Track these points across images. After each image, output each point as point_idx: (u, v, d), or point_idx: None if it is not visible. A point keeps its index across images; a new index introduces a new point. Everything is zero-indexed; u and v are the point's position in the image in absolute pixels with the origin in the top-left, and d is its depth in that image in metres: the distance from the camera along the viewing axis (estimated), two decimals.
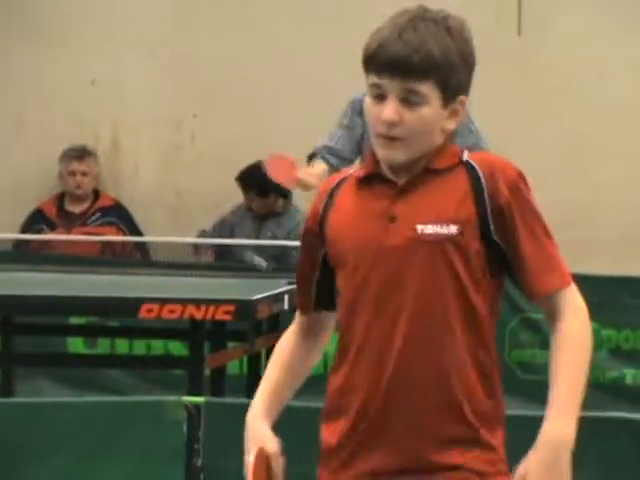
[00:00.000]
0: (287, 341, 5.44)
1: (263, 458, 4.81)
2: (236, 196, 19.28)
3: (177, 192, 20.16)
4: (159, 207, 19.94)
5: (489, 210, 4.98)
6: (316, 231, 5.18)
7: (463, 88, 5.10)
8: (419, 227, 4.98)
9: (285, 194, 17.88)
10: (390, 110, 4.83)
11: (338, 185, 5.19)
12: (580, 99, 20.25)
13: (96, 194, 19.36)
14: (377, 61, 4.93)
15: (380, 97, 4.92)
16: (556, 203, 17.53)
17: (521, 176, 5.05)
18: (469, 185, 5.10)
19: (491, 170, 5.08)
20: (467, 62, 5.06)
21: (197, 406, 9.74)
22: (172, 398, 10.56)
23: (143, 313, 11.74)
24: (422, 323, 5.05)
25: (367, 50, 5.00)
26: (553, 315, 5.00)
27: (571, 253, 14.70)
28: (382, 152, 4.96)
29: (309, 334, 5.41)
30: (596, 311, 16.25)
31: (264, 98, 19.85)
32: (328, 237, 5.11)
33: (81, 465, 9.73)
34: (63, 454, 9.94)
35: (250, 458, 4.88)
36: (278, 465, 4.83)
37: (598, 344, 15.89)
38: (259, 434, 4.97)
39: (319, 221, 5.19)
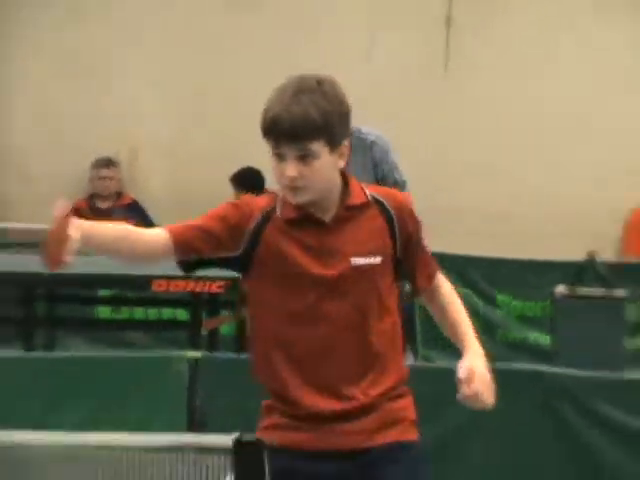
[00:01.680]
0: (144, 233, 5.85)
1: (67, 221, 5.11)
2: (228, 193, 19.39)
3: (180, 193, 21.09)
4: (167, 204, 20.70)
5: (399, 239, 5.93)
6: (238, 237, 5.83)
7: (345, 134, 5.95)
8: (352, 260, 5.85)
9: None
10: (290, 169, 5.58)
11: (267, 218, 5.86)
12: (499, 132, 20.86)
13: (119, 194, 20.87)
14: (274, 134, 5.72)
15: (281, 158, 5.66)
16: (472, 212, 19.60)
17: (407, 199, 6.23)
18: (384, 220, 5.99)
19: (398, 206, 6.04)
20: (343, 115, 5.95)
21: (196, 360, 10.93)
22: (177, 353, 12.08)
23: (155, 287, 13.49)
24: (363, 325, 5.95)
25: (264, 125, 5.77)
26: (433, 290, 6.18)
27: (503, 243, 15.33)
28: (291, 198, 5.75)
29: (156, 240, 5.81)
30: (506, 285, 17.55)
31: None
32: (263, 260, 5.80)
33: (101, 410, 10.84)
34: (86, 401, 11.06)
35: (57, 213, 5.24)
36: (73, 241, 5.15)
37: (509, 311, 17.94)
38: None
39: (250, 237, 5.85)
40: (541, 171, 20.58)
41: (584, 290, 16.12)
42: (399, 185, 13.42)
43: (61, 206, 5.17)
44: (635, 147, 20.58)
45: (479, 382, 5.77)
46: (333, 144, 5.70)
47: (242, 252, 5.66)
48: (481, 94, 21.00)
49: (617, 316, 15.79)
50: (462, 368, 5.76)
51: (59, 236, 4.97)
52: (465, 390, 5.72)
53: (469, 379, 5.71)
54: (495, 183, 20.44)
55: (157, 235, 5.68)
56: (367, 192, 5.99)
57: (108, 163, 20.91)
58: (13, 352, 14.02)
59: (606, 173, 20.42)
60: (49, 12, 22.41)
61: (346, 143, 5.86)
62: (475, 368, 5.69)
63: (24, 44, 22.73)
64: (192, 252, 5.66)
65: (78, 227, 5.40)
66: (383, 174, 13.64)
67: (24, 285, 14.99)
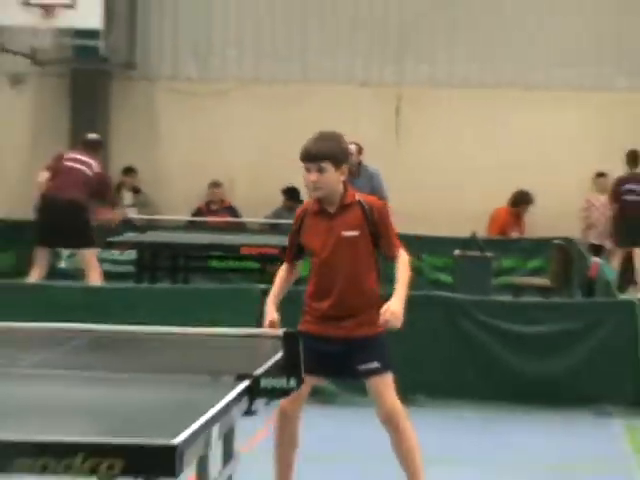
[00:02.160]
0: (282, 271, 8.83)
1: (273, 323, 8.04)
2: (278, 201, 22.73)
3: (257, 199, 23.22)
4: (249, 206, 23.36)
5: (370, 222, 8.40)
6: (297, 230, 8.57)
7: (343, 162, 8.50)
8: (343, 233, 8.41)
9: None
10: (312, 177, 8.28)
11: (306, 210, 8.63)
12: (431, 177, 23.14)
13: (222, 201, 23.56)
14: (304, 158, 8.45)
15: (308, 170, 8.36)
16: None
17: (384, 205, 8.92)
18: (362, 213, 8.44)
19: (371, 205, 8.55)
20: (342, 151, 8.60)
21: (263, 290, 11.16)
22: (252, 285, 13.99)
23: (242, 250, 17.62)
24: (350, 269, 8.35)
25: (300, 154, 8.55)
26: (396, 261, 8.47)
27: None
28: (313, 194, 8.42)
29: (290, 270, 8.77)
30: (429, 250, 20.62)
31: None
32: (303, 237, 8.49)
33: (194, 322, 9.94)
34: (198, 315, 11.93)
35: (267, 323, 8.12)
36: (277, 325, 7.99)
37: (430, 263, 20.69)
38: (270, 310, 8.28)
39: (299, 227, 8.55)
40: (452, 195, 22.91)
41: (469, 252, 18.78)
42: (384, 199, 15.92)
43: (270, 319, 8.26)
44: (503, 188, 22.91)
45: (389, 314, 8.15)
46: (336, 165, 8.37)
47: (298, 230, 8.55)
48: (417, 158, 23.24)
49: (487, 267, 18.37)
50: (384, 311, 8.18)
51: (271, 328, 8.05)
52: (381, 319, 8.20)
53: (384, 312, 8.16)
54: (425, 202, 22.68)
55: (287, 269, 8.70)
56: (356, 196, 8.54)
57: (217, 184, 23.82)
58: (166, 285, 17.57)
59: (481, 193, 22.70)
60: None
61: (344, 167, 8.49)
62: (389, 306, 8.14)
63: None
64: (294, 247, 8.67)
65: (272, 302, 8.50)
66: (376, 192, 16.32)
67: (172, 248, 18.66)
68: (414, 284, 8.81)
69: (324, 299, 8.43)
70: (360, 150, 17.58)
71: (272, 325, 8.05)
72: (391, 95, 22.95)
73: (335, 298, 8.39)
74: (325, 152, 8.33)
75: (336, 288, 8.40)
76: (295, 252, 8.58)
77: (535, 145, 22.77)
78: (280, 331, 6.90)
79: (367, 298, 8.45)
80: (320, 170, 8.24)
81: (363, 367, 8.36)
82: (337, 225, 8.38)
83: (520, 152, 22.71)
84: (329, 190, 8.34)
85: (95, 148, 17.68)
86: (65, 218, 16.50)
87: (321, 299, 8.45)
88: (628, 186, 20.64)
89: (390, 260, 8.52)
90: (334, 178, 8.31)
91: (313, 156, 8.31)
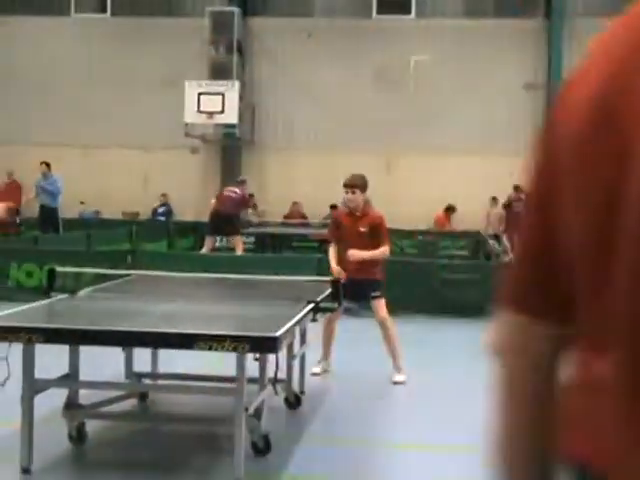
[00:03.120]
0: (331, 247, 8.50)
1: (338, 272, 7.86)
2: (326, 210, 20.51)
3: (313, 210, 22.15)
4: (312, 213, 22.25)
5: (374, 228, 8.26)
6: (338, 224, 8.47)
7: (365, 188, 8.38)
8: (360, 229, 8.24)
9: None
10: (349, 196, 8.23)
11: (339, 215, 8.75)
12: (416, 197, 22.40)
13: (298, 211, 22.69)
14: (345, 184, 8.35)
15: (347, 192, 8.28)
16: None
17: (381, 217, 8.51)
18: (368, 218, 8.33)
19: (375, 215, 8.48)
20: (365, 183, 8.40)
21: (319, 258, 11.59)
22: (314, 255, 13.60)
23: (309, 237, 18.10)
24: (363, 247, 8.10)
25: (343, 183, 8.41)
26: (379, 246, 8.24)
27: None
28: (349, 205, 8.32)
29: (335, 245, 8.43)
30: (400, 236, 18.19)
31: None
32: (340, 229, 8.41)
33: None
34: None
35: (335, 271, 7.93)
36: (340, 272, 7.90)
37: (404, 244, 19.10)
38: (334, 265, 8.24)
39: (339, 222, 8.50)
40: (414, 206, 21.93)
41: (425, 237, 19.18)
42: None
43: (336, 270, 8.14)
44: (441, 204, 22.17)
45: (350, 254, 8.13)
46: (361, 191, 8.36)
47: (338, 224, 8.53)
48: (397, 187, 22.36)
49: (434, 246, 18.54)
50: (350, 252, 8.15)
51: None
52: (348, 254, 8.14)
53: (349, 253, 8.16)
54: (401, 210, 20.83)
55: (333, 244, 8.49)
56: (369, 211, 8.53)
57: (296, 202, 22.65)
58: (270, 254, 17.35)
59: (428, 206, 21.95)
60: None
61: (365, 192, 8.41)
62: (354, 251, 8.14)
63: None
64: (336, 232, 8.50)
65: (334, 262, 8.32)
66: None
67: (273, 236, 18.94)
68: (395, 254, 8.68)
69: (345, 259, 8.26)
70: None
71: (338, 272, 8.03)
72: (383, 157, 22.70)
73: (354, 261, 8.24)
74: (355, 183, 8.31)
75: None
76: (337, 236, 8.47)
77: (459, 181, 22.36)
78: (332, 276, 6.93)
79: (371, 262, 8.36)
80: (353, 193, 8.23)
81: (371, 294, 8.36)
82: (359, 223, 8.31)
83: (451, 184, 22.42)
84: (356, 203, 8.27)
85: (241, 183, 17.58)
86: (224, 220, 16.25)
87: (344, 259, 8.27)
88: (516, 204, 20.30)
89: (381, 245, 8.34)
90: (359, 198, 8.29)
91: (350, 185, 8.29)
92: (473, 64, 22.66)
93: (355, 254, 8.17)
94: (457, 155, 22.44)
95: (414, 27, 22.90)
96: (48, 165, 18.97)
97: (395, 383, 8.27)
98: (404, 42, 22.71)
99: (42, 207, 18.95)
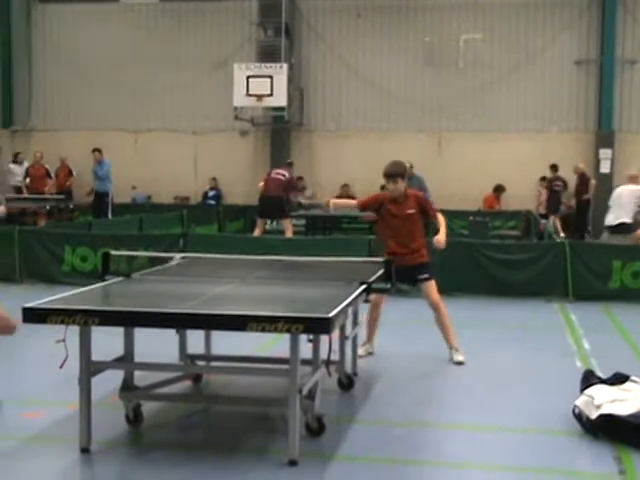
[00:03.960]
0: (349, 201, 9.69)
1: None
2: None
3: (363, 192, 18.50)
4: (362, 195, 22.75)
5: (420, 205, 8.27)
6: (379, 206, 8.32)
7: (405, 176, 8.31)
8: (408, 211, 8.21)
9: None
10: (391, 186, 8.13)
11: (385, 198, 8.33)
12: (462, 178, 21.99)
13: (347, 194, 21.72)
14: (386, 175, 8.21)
15: (388, 182, 8.18)
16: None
17: (423, 196, 8.72)
18: (415, 199, 8.29)
19: (417, 196, 8.45)
20: (405, 171, 8.39)
21: (370, 240, 12.29)
22: (365, 237, 13.44)
23: (359, 219, 16.76)
24: (411, 228, 8.18)
25: (384, 173, 8.26)
26: (436, 219, 8.36)
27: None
28: (391, 194, 8.16)
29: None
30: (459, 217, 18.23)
31: None
32: (381, 212, 8.31)
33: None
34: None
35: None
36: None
37: (456, 223, 18.52)
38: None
39: (380, 205, 8.32)
40: (466, 188, 21.87)
41: (476, 217, 18.38)
42: (424, 190, 16.10)
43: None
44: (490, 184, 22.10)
45: (437, 241, 8.22)
46: (402, 179, 8.25)
47: (378, 208, 8.39)
48: (447, 168, 22.04)
49: (486, 225, 17.53)
50: (435, 239, 8.26)
51: None
52: (434, 243, 8.23)
53: (435, 240, 8.23)
54: (452, 191, 21.13)
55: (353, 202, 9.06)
56: (408, 192, 8.39)
57: (346, 184, 22.56)
58: (321, 237, 16.92)
59: (480, 187, 22.05)
60: None
61: (406, 178, 8.30)
62: (438, 237, 8.22)
63: None
64: (368, 209, 8.57)
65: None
66: (421, 188, 15.96)
67: (323, 218, 18.20)
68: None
69: (393, 244, 8.30)
70: (412, 166, 16.73)
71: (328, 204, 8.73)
72: (434, 137, 22.49)
73: (404, 244, 8.30)
74: (397, 172, 8.25)
75: (404, 239, 8.32)
76: (365, 209, 8.61)
77: (511, 161, 22.13)
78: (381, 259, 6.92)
79: (419, 241, 8.38)
80: (395, 182, 8.17)
81: (420, 277, 8.33)
82: (403, 207, 8.28)
83: (502, 163, 22.22)
84: (399, 192, 8.22)
85: (289, 166, 17.61)
86: (272, 203, 16.32)
87: (397, 246, 8.28)
88: (555, 182, 20.32)
89: (434, 219, 8.42)
90: (402, 185, 8.23)
91: (392, 175, 8.22)
92: (524, 41, 22.39)
93: (442, 240, 8.24)
94: (508, 133, 22.26)
95: (464, 5, 22.56)
96: (100, 151, 19.14)
97: (457, 363, 8.29)
98: (454, 20, 22.55)
99: (96, 192, 19.18)
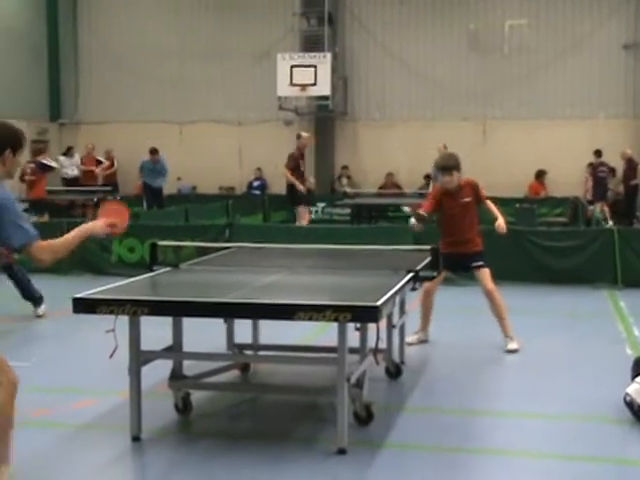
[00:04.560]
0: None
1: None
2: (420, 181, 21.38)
3: (407, 180, 22.30)
4: (406, 183, 22.27)
5: (474, 191, 8.29)
6: (439, 199, 8.25)
7: (459, 168, 8.25)
8: (464, 200, 8.23)
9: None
10: (447, 179, 8.17)
11: (440, 192, 8.30)
12: (505, 164, 21.80)
13: (392, 182, 22.30)
14: (440, 168, 8.39)
15: (444, 175, 8.24)
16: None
17: (476, 181, 8.48)
18: (470, 187, 8.32)
19: (470, 183, 8.39)
20: (458, 164, 8.25)
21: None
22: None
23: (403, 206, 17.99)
24: (468, 217, 8.20)
25: (439, 166, 8.48)
26: (486, 202, 8.37)
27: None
28: (446, 186, 8.19)
29: (427, 215, 8.22)
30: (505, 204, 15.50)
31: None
32: (442, 204, 8.23)
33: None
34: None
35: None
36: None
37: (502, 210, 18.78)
38: (415, 221, 8.25)
39: (440, 199, 8.26)
40: (510, 175, 21.56)
41: (523, 205, 18.24)
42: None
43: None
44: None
45: (499, 227, 8.35)
46: (457, 171, 8.29)
47: (439, 200, 8.30)
48: (492, 155, 21.91)
49: (533, 212, 17.27)
50: (497, 224, 8.40)
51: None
52: (497, 229, 8.37)
53: (497, 225, 8.37)
54: (497, 179, 20.36)
55: (426, 212, 8.25)
56: (462, 181, 8.36)
57: (390, 173, 22.43)
58: (366, 225, 16.82)
59: (525, 174, 21.94)
60: None
61: (459, 170, 8.28)
62: (499, 222, 8.36)
63: None
64: (434, 207, 8.30)
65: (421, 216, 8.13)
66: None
67: (367, 207, 18.62)
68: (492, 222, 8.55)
69: (452, 234, 8.33)
70: (445, 147, 16.51)
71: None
72: (479, 125, 22.36)
73: (460, 234, 8.32)
74: (450, 165, 8.30)
75: (460, 229, 8.33)
76: (433, 210, 8.38)
77: (557, 148, 21.91)
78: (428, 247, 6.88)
79: (474, 230, 8.37)
80: (450, 175, 8.22)
81: (475, 264, 8.33)
82: (458, 197, 8.29)
83: (548, 149, 22.00)
84: (454, 184, 8.26)
85: (297, 139, 17.08)
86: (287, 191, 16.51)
87: (451, 234, 8.33)
88: (600, 168, 20.08)
89: (483, 202, 8.41)
90: (456, 177, 8.26)
91: (446, 168, 8.28)
92: (570, 26, 22.15)
93: (503, 224, 8.38)
94: (554, 120, 22.05)
95: None
96: (157, 152, 19.23)
97: (509, 352, 8.24)
98: (498, 6, 22.35)
99: (149, 186, 19.32)
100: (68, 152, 22.05)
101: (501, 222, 8.37)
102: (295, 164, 16.45)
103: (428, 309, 8.64)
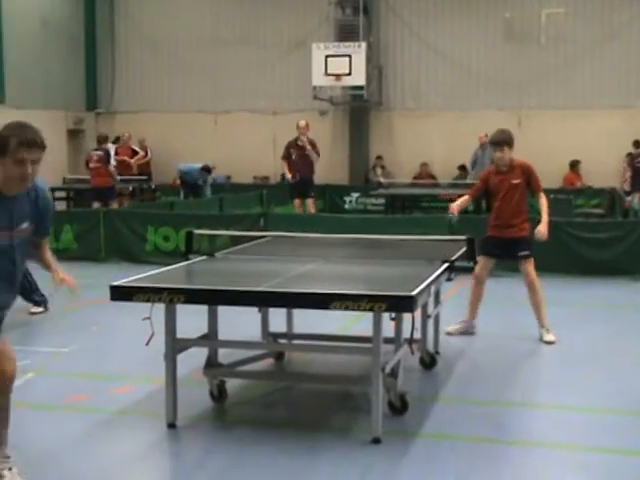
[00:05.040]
0: (466, 197, 8.34)
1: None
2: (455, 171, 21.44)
3: (442, 170, 22.18)
4: (441, 173, 22.13)
5: (524, 175, 8.09)
6: (485, 183, 8.29)
7: (511, 146, 8.14)
8: (513, 181, 8.09)
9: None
10: (498, 154, 8.05)
11: (489, 173, 8.32)
12: (543, 151, 21.25)
13: (427, 172, 22.02)
14: (492, 142, 8.28)
15: (495, 151, 8.13)
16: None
17: (531, 166, 8.25)
18: (520, 169, 8.12)
19: (523, 165, 8.21)
20: (512, 138, 8.20)
21: (450, 218, 11.65)
22: (445, 215, 11.39)
23: (439, 197, 17.31)
24: (516, 200, 8.01)
25: (490, 140, 8.47)
26: (539, 196, 8.21)
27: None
28: (499, 164, 8.11)
29: (469, 201, 8.45)
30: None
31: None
32: (490, 186, 8.22)
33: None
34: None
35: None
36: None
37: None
38: (456, 205, 8.21)
39: (486, 181, 8.28)
40: (550, 160, 20.94)
41: (559, 196, 17.20)
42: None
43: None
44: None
45: (539, 234, 8.14)
46: (509, 147, 8.15)
47: (486, 183, 8.33)
48: (527, 145, 20.51)
49: (570, 203, 16.74)
50: (537, 230, 8.17)
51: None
52: (536, 235, 8.16)
53: (537, 232, 8.14)
54: (535, 166, 21.92)
55: (468, 198, 8.40)
56: (515, 162, 8.21)
57: (425, 163, 22.26)
58: (400, 215, 16.74)
59: (559, 164, 21.48)
60: None
61: (510, 149, 8.15)
62: (539, 229, 8.08)
63: None
64: (479, 192, 8.55)
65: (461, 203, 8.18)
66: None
67: (402, 197, 18.38)
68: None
69: (498, 217, 8.25)
70: (487, 136, 15.91)
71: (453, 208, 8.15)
72: (515, 114, 21.90)
73: (507, 217, 8.20)
74: (503, 139, 8.18)
75: (507, 211, 8.20)
76: (479, 195, 8.53)
77: (594, 138, 21.60)
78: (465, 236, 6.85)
79: (522, 216, 8.26)
80: (502, 150, 8.08)
81: (521, 253, 8.25)
82: (509, 177, 8.16)
83: (585, 139, 21.67)
84: (504, 162, 8.14)
85: None
86: None
87: (497, 217, 8.26)
88: (638, 159, 19.35)
89: (537, 194, 8.32)
90: (508, 154, 8.13)
91: (498, 142, 8.16)
92: (608, 15, 21.79)
93: (544, 232, 8.14)
94: (592, 110, 21.79)
95: None
96: None
97: (546, 343, 8.20)
98: None
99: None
100: (117, 141, 21.98)
101: (542, 228, 8.15)
102: (287, 153, 16.49)
103: (477, 298, 8.55)
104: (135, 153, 21.78)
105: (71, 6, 23.89)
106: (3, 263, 4.47)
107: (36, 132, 4.36)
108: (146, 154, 22.54)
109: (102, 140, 17.91)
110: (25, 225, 4.48)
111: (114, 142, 21.38)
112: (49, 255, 4.81)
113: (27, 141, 4.27)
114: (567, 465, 5.19)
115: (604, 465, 5.15)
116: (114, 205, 16.94)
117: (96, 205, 16.54)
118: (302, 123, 16.58)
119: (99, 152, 17.28)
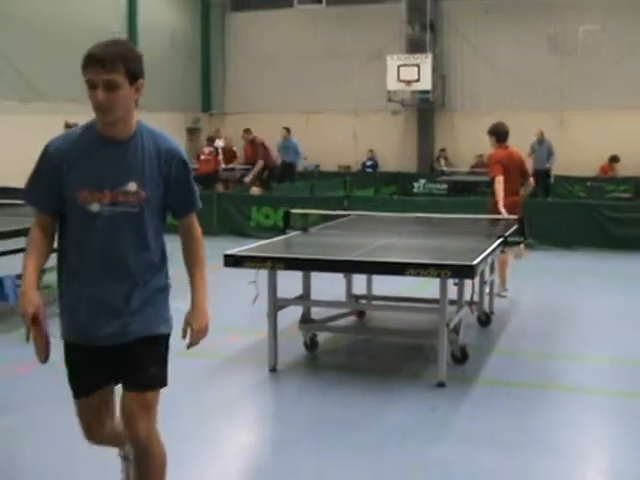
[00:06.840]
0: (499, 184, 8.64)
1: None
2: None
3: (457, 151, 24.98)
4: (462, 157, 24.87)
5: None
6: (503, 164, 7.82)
7: (492, 136, 8.46)
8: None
9: None
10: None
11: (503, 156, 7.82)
12: (580, 143, 20.85)
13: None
14: (492, 134, 8.67)
15: (497, 140, 8.06)
16: None
17: (492, 156, 8.12)
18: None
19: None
20: (496, 131, 8.71)
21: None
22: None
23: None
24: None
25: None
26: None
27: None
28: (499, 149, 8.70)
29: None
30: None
31: None
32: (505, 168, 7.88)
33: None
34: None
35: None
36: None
37: (575, 189, 18.21)
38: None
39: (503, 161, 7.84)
40: (587, 154, 20.53)
41: (593, 183, 17.80)
42: (553, 157, 16.37)
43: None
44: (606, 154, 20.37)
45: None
46: (490, 137, 8.08)
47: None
48: (568, 140, 20.63)
49: (602, 189, 16.81)
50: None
51: None
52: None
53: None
54: (571, 159, 19.83)
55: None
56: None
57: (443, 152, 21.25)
58: (459, 197, 15.98)
59: (596, 156, 20.32)
60: None
61: (496, 140, 8.13)
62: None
63: None
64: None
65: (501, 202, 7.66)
66: (551, 154, 16.14)
67: (462, 182, 18.42)
68: (567, 197, 8.31)
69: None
70: (541, 133, 16.66)
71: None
72: (557, 115, 21.43)
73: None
74: (489, 130, 8.41)
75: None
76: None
77: (624, 134, 20.78)
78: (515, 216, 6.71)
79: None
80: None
81: None
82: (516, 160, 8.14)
83: (616, 136, 20.82)
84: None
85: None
86: None
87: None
88: None
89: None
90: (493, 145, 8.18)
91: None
92: (637, 29, 21.06)
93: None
94: (622, 110, 21.00)
95: (583, 1, 21.44)
96: (288, 130, 18.94)
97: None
98: (574, 13, 21.38)
99: (283, 162, 19.02)
100: (221, 139, 21.94)
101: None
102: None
103: (504, 266, 8.26)
104: (234, 153, 21.56)
105: (191, 27, 24.12)
106: (97, 247, 2.69)
107: (109, 46, 2.71)
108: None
109: (211, 139, 18.17)
110: (130, 186, 2.75)
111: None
112: (197, 267, 2.98)
113: (91, 58, 2.66)
114: (605, 408, 5.06)
115: (631, 409, 5.01)
116: (219, 189, 17.01)
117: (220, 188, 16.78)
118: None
119: (210, 148, 17.55)
